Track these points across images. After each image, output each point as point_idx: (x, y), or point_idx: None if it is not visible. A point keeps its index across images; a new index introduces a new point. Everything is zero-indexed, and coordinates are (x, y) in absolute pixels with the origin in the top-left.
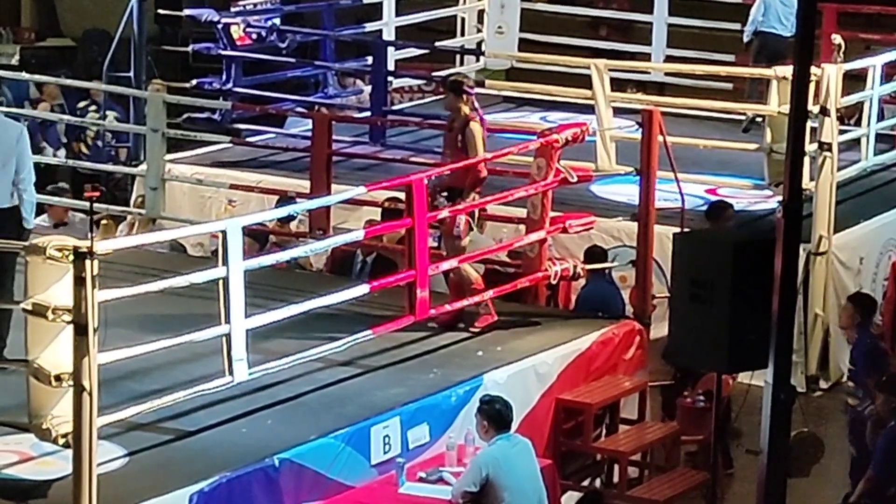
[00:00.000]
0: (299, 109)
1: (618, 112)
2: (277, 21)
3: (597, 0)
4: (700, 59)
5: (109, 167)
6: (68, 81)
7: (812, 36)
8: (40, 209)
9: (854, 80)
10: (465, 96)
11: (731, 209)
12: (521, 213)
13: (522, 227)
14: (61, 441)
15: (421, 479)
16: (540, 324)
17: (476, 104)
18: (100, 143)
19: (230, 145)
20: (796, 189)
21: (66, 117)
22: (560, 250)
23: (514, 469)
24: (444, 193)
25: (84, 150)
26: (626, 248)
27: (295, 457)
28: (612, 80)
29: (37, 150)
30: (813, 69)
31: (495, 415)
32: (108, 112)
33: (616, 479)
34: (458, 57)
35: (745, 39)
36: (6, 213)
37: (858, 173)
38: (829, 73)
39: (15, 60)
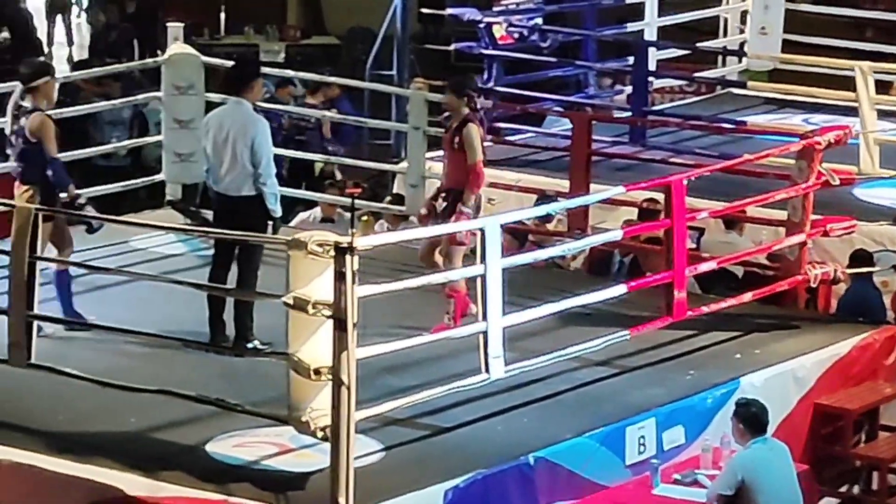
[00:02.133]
0: (558, 109)
1: (882, 115)
2: (539, 20)
3: (863, 1)
4: None
5: (372, 164)
6: (331, 79)
7: None
8: (313, 204)
9: None
10: (465, 97)
11: None
12: (782, 215)
13: (782, 230)
14: (319, 434)
15: (675, 481)
16: (799, 327)
17: (478, 105)
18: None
19: (490, 143)
20: None
21: (293, 110)
22: (820, 254)
23: (771, 473)
24: (443, 195)
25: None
26: (889, 253)
27: (550, 455)
28: (876, 82)
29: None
30: None
31: (751, 418)
32: (331, 109)
33: (875, 486)
34: (720, 58)
35: None
36: (245, 202)
37: None
38: None
39: (280, 58)
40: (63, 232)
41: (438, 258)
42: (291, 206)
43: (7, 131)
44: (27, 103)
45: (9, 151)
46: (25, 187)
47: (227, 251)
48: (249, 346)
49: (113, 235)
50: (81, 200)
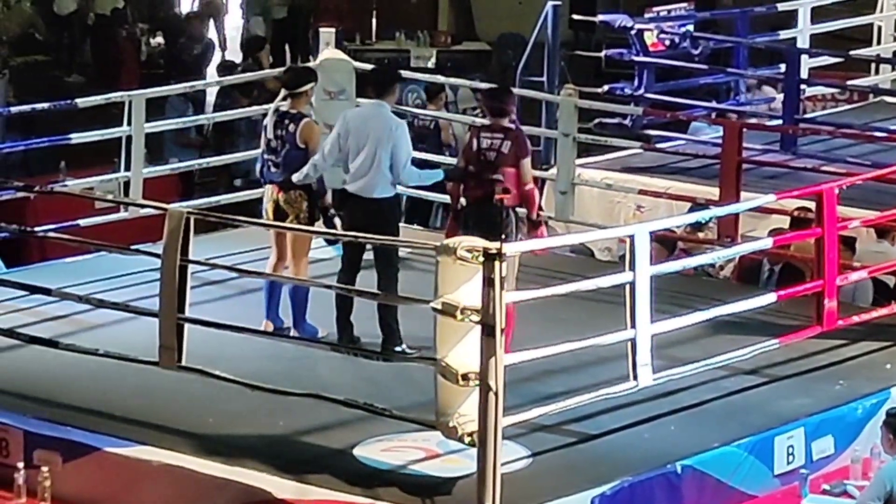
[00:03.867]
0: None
1: None
2: (691, 27)
3: None
4: None
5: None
6: (484, 85)
7: None
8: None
9: None
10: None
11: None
12: None
13: None
14: (467, 440)
15: (824, 492)
16: None
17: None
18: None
19: (640, 151)
20: None
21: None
22: None
23: None
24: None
25: None
26: None
27: (697, 464)
28: None
29: None
30: None
31: None
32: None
33: None
34: (873, 66)
35: None
36: (377, 204)
37: None
38: None
39: (431, 63)
40: (304, 241)
41: None
42: (428, 209)
43: (268, 135)
44: (288, 107)
45: (268, 156)
46: (295, 191)
47: (357, 253)
48: (397, 350)
49: (262, 239)
50: (332, 211)
